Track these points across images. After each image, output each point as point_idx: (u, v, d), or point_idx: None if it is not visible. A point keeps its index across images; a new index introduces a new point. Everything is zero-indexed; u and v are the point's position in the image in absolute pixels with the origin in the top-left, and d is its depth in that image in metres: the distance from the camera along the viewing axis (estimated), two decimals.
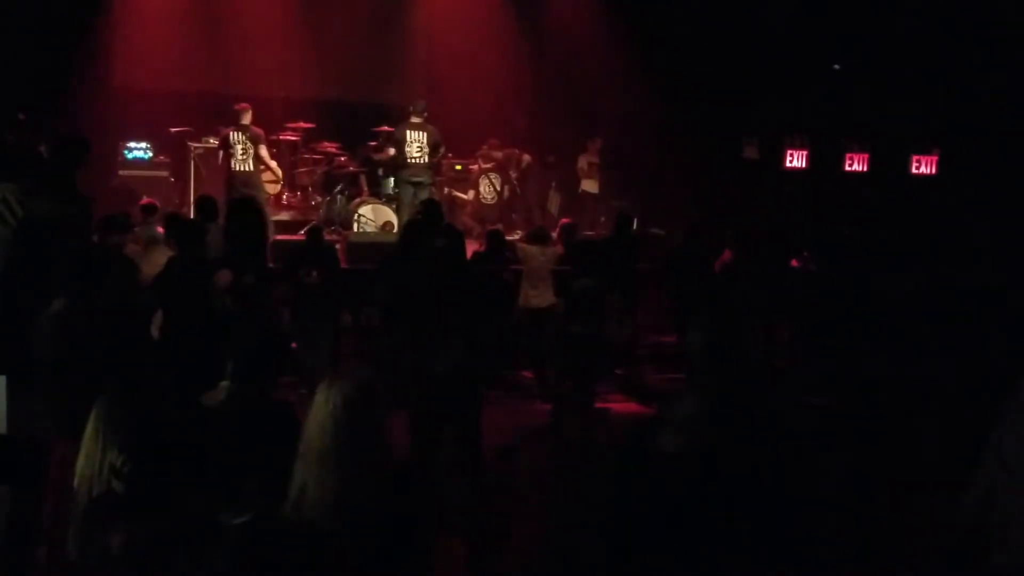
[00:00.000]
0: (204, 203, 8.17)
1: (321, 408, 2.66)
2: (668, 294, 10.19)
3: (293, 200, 12.29)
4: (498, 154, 13.19)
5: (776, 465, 2.81)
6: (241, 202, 7.78)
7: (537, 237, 9.37)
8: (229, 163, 10.65)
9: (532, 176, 13.53)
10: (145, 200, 9.07)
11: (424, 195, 10.49)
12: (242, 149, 10.59)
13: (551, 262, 8.96)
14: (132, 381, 2.68)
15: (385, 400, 2.75)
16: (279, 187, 11.93)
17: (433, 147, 10.97)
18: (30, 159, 7.95)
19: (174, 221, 7.63)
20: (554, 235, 9.51)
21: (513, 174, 13.20)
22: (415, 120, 10.95)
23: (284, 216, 11.85)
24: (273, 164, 11.31)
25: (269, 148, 11.03)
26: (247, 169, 10.62)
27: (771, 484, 2.77)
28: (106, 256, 4.99)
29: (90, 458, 2.60)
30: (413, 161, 10.91)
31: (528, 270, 8.99)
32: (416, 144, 10.90)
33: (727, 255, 9.43)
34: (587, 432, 7.26)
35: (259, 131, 10.81)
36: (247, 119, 10.71)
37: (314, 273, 8.22)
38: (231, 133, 10.62)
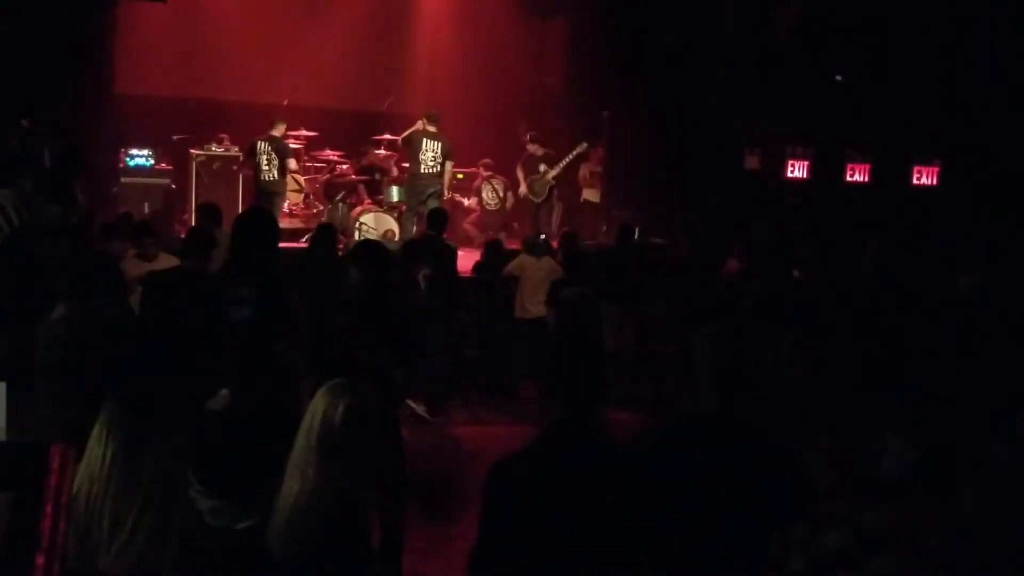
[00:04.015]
0: (210, 209, 8.22)
1: (317, 417, 2.60)
2: (671, 304, 10.15)
3: (295, 208, 12.32)
4: (537, 149, 13.03)
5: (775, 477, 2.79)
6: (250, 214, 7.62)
7: (534, 246, 9.30)
8: (254, 171, 10.95)
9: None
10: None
11: (433, 204, 10.50)
12: (267, 159, 10.85)
13: (548, 272, 8.94)
14: (140, 385, 2.65)
15: (383, 421, 2.68)
16: (300, 197, 12.16)
17: (445, 157, 11.00)
18: (32, 166, 7.96)
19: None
20: (554, 244, 9.48)
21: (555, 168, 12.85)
22: (431, 129, 10.98)
23: (285, 224, 11.83)
24: (300, 177, 11.59)
25: (298, 160, 11.42)
26: (271, 179, 10.91)
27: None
28: (106, 263, 4.97)
29: (93, 462, 2.58)
30: (427, 171, 10.94)
31: (524, 280, 8.96)
32: (431, 153, 10.94)
33: (733, 265, 9.38)
34: None
35: (287, 144, 11.11)
36: (278, 131, 11.02)
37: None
38: (259, 143, 10.90)
